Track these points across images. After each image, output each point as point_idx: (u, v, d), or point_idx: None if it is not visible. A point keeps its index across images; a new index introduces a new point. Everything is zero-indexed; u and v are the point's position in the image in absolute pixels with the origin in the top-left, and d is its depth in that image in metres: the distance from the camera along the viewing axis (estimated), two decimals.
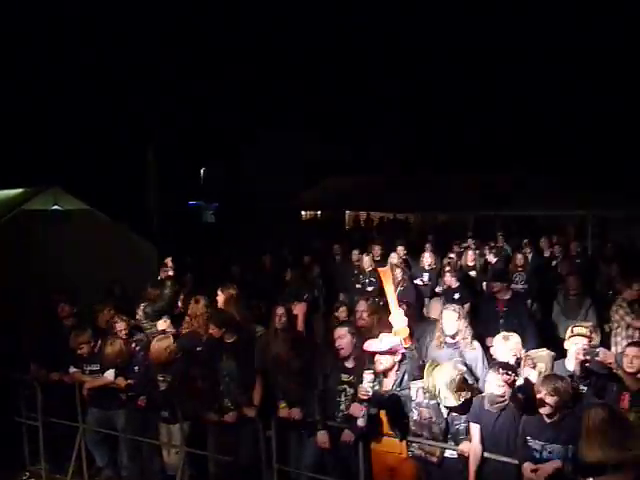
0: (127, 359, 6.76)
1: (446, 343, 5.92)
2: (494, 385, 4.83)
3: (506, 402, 4.86)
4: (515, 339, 5.58)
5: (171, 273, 9.18)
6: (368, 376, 5.00)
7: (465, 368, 5.12)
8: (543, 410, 4.57)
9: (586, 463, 4.22)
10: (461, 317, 5.91)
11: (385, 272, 5.86)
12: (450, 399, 4.88)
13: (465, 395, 4.93)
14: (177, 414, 6.20)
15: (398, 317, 5.29)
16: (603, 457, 4.12)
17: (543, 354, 5.47)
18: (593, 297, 8.47)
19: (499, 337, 5.64)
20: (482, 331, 6.70)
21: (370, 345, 5.24)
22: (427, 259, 10.33)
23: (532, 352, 5.48)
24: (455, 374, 4.92)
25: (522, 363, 5.37)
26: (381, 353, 5.15)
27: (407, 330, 5.26)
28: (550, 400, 4.53)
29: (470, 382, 5.07)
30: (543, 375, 4.92)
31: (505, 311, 7.74)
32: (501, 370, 4.87)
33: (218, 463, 6.18)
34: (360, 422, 5.04)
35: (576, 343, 5.38)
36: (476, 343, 5.93)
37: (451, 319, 5.89)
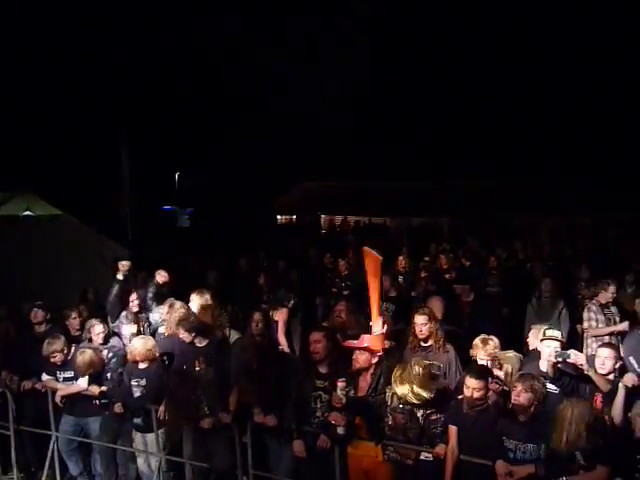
0: (99, 367, 6.65)
1: (419, 346, 5.94)
2: (471, 389, 4.85)
3: (484, 405, 4.89)
4: (494, 342, 5.61)
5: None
6: (341, 384, 5.05)
7: (435, 364, 5.18)
8: (517, 407, 4.64)
9: (559, 458, 4.27)
10: (432, 320, 5.93)
11: (374, 259, 5.79)
12: (423, 393, 4.90)
13: (437, 385, 5.00)
14: (152, 421, 6.14)
15: (377, 322, 5.32)
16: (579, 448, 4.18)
17: (510, 355, 5.53)
18: (566, 299, 8.58)
19: (478, 340, 5.67)
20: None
21: (349, 343, 5.29)
22: (401, 262, 10.38)
23: (499, 353, 5.52)
24: (419, 369, 4.95)
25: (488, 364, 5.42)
26: (359, 349, 5.18)
27: (381, 343, 5.31)
28: (524, 397, 4.63)
29: (437, 373, 5.15)
30: (519, 373, 4.99)
31: (470, 314, 7.81)
32: (478, 374, 4.92)
33: (194, 469, 6.14)
34: (340, 430, 5.08)
35: (548, 346, 5.45)
36: (449, 346, 5.96)
37: (421, 321, 5.91)
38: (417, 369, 4.95)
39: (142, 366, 6.33)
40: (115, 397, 6.37)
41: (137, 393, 6.27)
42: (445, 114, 30.84)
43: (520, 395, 4.65)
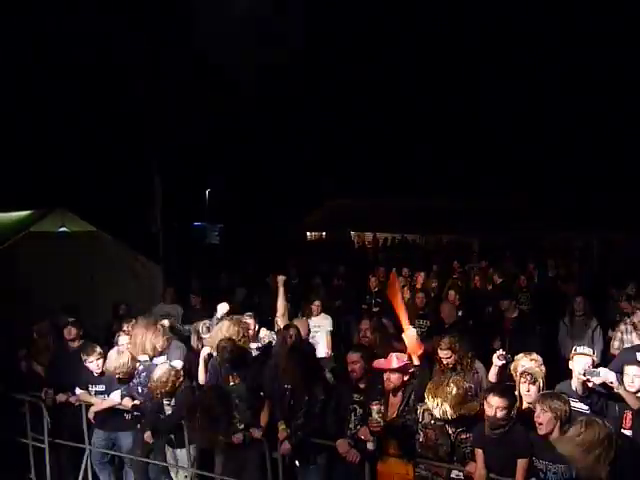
0: (128, 374, 6.74)
1: (449, 368, 5.92)
2: (495, 408, 4.77)
3: (507, 427, 4.80)
4: (540, 358, 5.58)
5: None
6: (376, 407, 5.06)
7: (467, 385, 5.09)
8: (538, 428, 4.58)
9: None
10: (454, 351, 5.90)
11: (393, 283, 5.87)
12: (448, 411, 4.87)
13: (464, 410, 4.91)
14: (184, 438, 6.18)
15: (411, 334, 5.32)
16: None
17: (537, 370, 5.45)
18: (599, 318, 8.47)
19: (521, 355, 5.62)
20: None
21: (379, 363, 5.27)
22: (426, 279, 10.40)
23: (528, 368, 5.42)
24: (454, 388, 4.91)
25: (519, 380, 5.33)
26: (392, 370, 5.18)
27: (421, 346, 5.28)
28: (544, 417, 4.56)
29: (471, 399, 5.05)
30: (541, 393, 4.93)
31: (511, 330, 7.75)
32: (501, 393, 4.84)
33: None
34: (370, 446, 5.10)
35: (578, 363, 5.40)
36: (478, 365, 5.95)
37: (446, 356, 5.89)
38: (452, 387, 4.92)
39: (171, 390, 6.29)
40: (147, 415, 6.39)
41: (168, 411, 6.28)
42: (477, 133, 30.81)
43: (540, 416, 4.58)
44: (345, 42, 32.32)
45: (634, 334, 7.53)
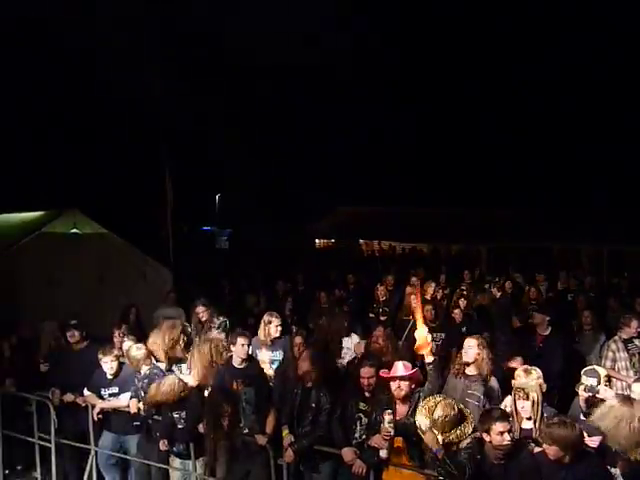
0: (131, 376, 6.78)
1: (464, 374, 5.91)
2: (500, 435, 4.68)
3: (514, 446, 4.74)
4: (537, 373, 5.51)
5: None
6: (388, 416, 5.07)
7: (458, 410, 4.88)
8: (550, 457, 4.51)
9: None
10: (480, 347, 5.88)
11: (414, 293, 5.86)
12: (432, 439, 4.76)
13: (452, 436, 4.76)
14: (192, 450, 6.19)
15: (422, 331, 5.30)
16: None
17: (532, 383, 5.42)
18: (608, 333, 8.40)
19: (521, 370, 5.56)
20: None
21: (390, 372, 5.30)
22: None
23: (522, 384, 5.34)
24: (444, 413, 4.75)
25: (514, 395, 5.29)
26: (402, 378, 5.18)
27: (429, 344, 5.27)
28: (550, 450, 4.48)
29: (460, 426, 4.82)
30: (545, 424, 4.79)
31: (540, 347, 7.69)
32: (504, 417, 4.77)
33: None
34: (383, 454, 5.11)
35: (583, 382, 5.45)
36: (493, 380, 5.90)
37: (471, 346, 5.88)
38: (439, 413, 4.77)
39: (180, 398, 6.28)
40: (161, 428, 6.39)
41: (180, 425, 6.28)
42: (486, 142, 30.83)
43: (547, 448, 4.51)
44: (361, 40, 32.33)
45: (625, 353, 7.45)
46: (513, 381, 5.52)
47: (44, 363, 7.66)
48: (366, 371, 5.70)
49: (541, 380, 5.46)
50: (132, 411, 6.66)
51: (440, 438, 4.74)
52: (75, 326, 7.66)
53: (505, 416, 4.80)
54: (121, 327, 7.99)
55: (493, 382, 5.90)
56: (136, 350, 6.76)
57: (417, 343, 5.34)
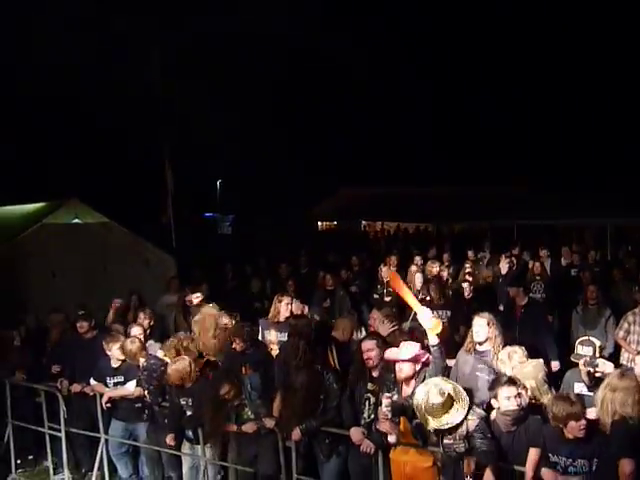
0: (133, 362, 6.81)
1: (475, 350, 5.92)
2: (507, 400, 4.73)
3: (523, 414, 4.78)
4: (519, 354, 5.54)
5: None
6: (386, 400, 5.09)
7: (447, 395, 4.77)
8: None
9: None
10: (491, 325, 5.89)
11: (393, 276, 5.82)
12: (430, 423, 4.75)
13: (440, 423, 4.70)
14: (201, 436, 6.21)
15: (425, 314, 5.26)
16: None
17: (529, 369, 5.41)
18: (612, 307, 8.42)
19: (504, 355, 5.61)
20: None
21: (391, 354, 5.26)
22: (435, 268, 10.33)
23: (517, 373, 5.31)
24: (432, 400, 4.71)
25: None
26: (403, 361, 5.17)
27: (439, 324, 5.23)
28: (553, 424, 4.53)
29: (450, 410, 4.74)
30: (552, 397, 4.82)
31: (521, 319, 7.72)
32: (510, 382, 4.81)
33: (238, 475, 6.20)
34: (391, 439, 5.10)
35: (581, 354, 5.47)
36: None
37: (480, 324, 5.89)
38: (429, 399, 4.72)
39: (188, 385, 6.29)
40: (168, 417, 6.41)
41: (188, 411, 6.29)
42: (488, 120, 30.71)
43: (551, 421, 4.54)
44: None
45: (637, 326, 7.48)
46: (501, 366, 5.56)
47: (55, 365, 7.66)
48: (366, 344, 5.66)
49: (525, 360, 5.48)
50: (135, 395, 6.69)
51: (432, 423, 4.74)
52: (84, 317, 7.71)
53: (513, 382, 4.81)
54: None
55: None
56: (130, 343, 6.77)
57: (426, 325, 5.25)
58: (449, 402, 4.71)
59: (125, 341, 6.84)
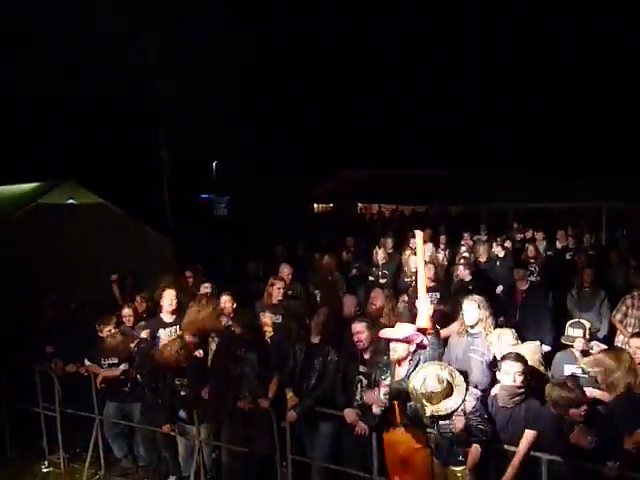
0: (125, 357, 6.83)
1: (467, 332, 5.94)
2: (511, 375, 4.78)
3: (524, 394, 4.81)
4: (508, 336, 5.60)
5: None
6: (383, 388, 5.09)
7: (446, 382, 4.77)
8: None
9: None
10: (481, 307, 5.91)
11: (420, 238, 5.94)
12: (427, 409, 4.74)
13: (437, 409, 4.71)
14: (195, 417, 6.24)
15: (423, 300, 5.26)
16: None
17: (525, 351, 5.42)
18: (607, 289, 8.44)
19: (493, 336, 5.67)
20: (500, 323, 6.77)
21: (386, 333, 5.26)
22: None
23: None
24: (431, 386, 4.70)
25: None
26: (397, 341, 5.17)
27: (430, 312, 5.22)
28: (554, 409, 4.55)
29: (448, 399, 4.74)
30: (550, 383, 4.82)
31: (522, 303, 7.73)
32: (517, 357, 4.85)
33: (232, 455, 6.23)
34: (375, 410, 5.12)
35: (572, 337, 5.63)
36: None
37: (471, 309, 5.91)
38: (427, 385, 4.72)
39: (183, 365, 6.28)
40: (162, 399, 6.39)
41: (182, 392, 6.30)
42: (485, 103, 30.63)
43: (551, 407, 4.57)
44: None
45: (638, 311, 7.52)
46: (492, 347, 5.64)
47: (49, 346, 7.65)
48: (356, 326, 5.70)
49: (515, 342, 5.55)
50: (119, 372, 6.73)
51: (428, 409, 4.75)
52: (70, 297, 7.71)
53: (519, 359, 4.84)
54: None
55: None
56: (112, 339, 6.81)
57: (419, 312, 5.27)
58: (448, 389, 4.72)
59: (107, 338, 6.86)
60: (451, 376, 4.80)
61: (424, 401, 4.74)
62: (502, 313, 7.47)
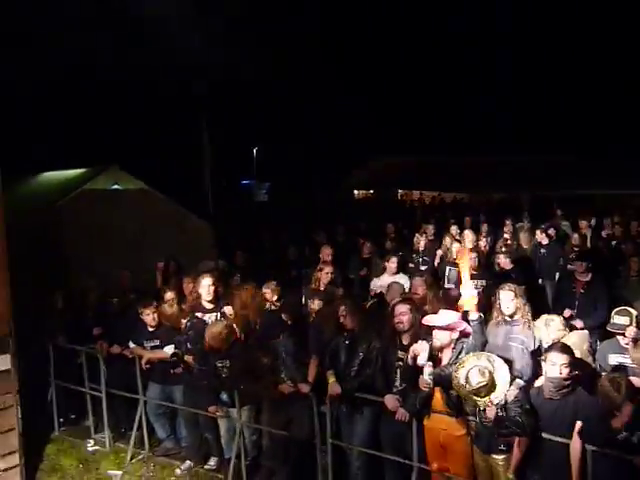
0: (176, 328, 6.94)
1: (504, 320, 5.89)
2: (557, 366, 4.66)
3: (571, 386, 4.70)
4: (556, 323, 5.52)
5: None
6: (428, 369, 5.04)
7: (489, 375, 4.68)
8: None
9: None
10: (518, 296, 5.88)
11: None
12: (478, 401, 4.69)
13: (482, 401, 4.66)
14: (237, 400, 6.30)
15: (468, 286, 5.20)
16: None
17: (574, 339, 5.33)
18: None
19: (541, 322, 5.61)
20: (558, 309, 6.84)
21: (428, 320, 5.24)
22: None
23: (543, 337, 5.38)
24: (477, 380, 4.62)
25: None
26: (439, 328, 5.14)
27: (474, 300, 5.17)
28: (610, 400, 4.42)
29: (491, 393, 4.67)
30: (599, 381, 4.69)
31: (582, 294, 7.60)
32: (563, 349, 4.75)
33: (273, 438, 6.31)
34: (421, 360, 5.07)
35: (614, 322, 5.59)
36: (536, 322, 5.87)
37: (508, 298, 5.87)
38: (473, 379, 4.62)
39: (224, 347, 6.32)
40: (206, 379, 6.45)
41: (223, 374, 6.36)
42: (527, 89, 30.02)
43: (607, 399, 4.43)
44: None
45: None
46: (537, 333, 5.59)
47: (96, 328, 7.83)
48: (399, 308, 5.68)
49: (562, 330, 5.46)
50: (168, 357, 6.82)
51: (481, 403, 4.68)
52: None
53: (566, 350, 4.74)
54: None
55: (536, 324, 5.87)
56: (168, 307, 6.88)
57: (462, 299, 5.22)
58: (491, 378, 4.65)
59: (162, 305, 6.95)
60: (491, 364, 4.73)
61: (474, 397, 4.67)
62: (545, 302, 7.35)
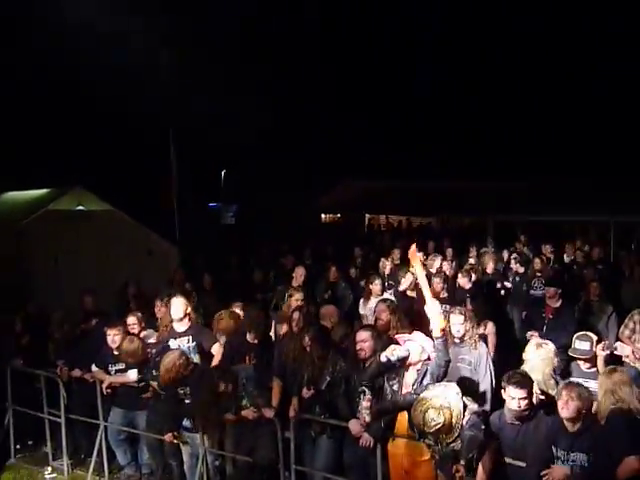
0: (141, 361, 6.82)
1: (454, 343, 6.00)
2: (515, 400, 4.71)
3: (528, 414, 4.77)
4: (549, 347, 5.53)
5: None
6: (365, 402, 5.22)
7: (447, 407, 4.65)
8: (564, 414, 4.53)
9: None
10: (467, 319, 6.06)
11: (414, 256, 5.76)
12: (444, 441, 4.66)
13: (439, 439, 4.65)
14: (199, 425, 6.23)
15: (433, 307, 5.12)
16: None
17: (537, 362, 5.39)
18: (615, 304, 8.39)
19: (532, 344, 5.63)
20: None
21: (402, 337, 5.31)
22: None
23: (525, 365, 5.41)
24: (437, 418, 4.58)
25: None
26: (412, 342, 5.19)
27: (440, 318, 5.15)
28: (572, 405, 4.49)
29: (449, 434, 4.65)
30: (564, 382, 4.89)
31: (551, 320, 7.69)
32: (520, 383, 4.75)
33: (236, 464, 6.22)
34: (365, 415, 5.19)
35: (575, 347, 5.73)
36: (481, 344, 6.12)
37: (458, 322, 6.02)
38: (430, 419, 4.60)
39: (185, 374, 6.26)
40: (168, 406, 6.40)
41: (186, 400, 6.30)
42: (493, 113, 30.63)
43: (568, 404, 4.50)
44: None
45: None
46: (524, 354, 5.56)
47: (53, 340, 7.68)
48: (361, 335, 5.66)
49: (551, 355, 5.47)
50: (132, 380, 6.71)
51: (444, 441, 4.65)
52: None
53: (521, 385, 4.73)
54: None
55: (481, 347, 6.08)
56: (129, 343, 6.79)
57: (433, 320, 5.20)
58: (448, 412, 4.60)
59: (124, 341, 6.84)
60: (447, 400, 4.67)
61: (438, 437, 4.65)
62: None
